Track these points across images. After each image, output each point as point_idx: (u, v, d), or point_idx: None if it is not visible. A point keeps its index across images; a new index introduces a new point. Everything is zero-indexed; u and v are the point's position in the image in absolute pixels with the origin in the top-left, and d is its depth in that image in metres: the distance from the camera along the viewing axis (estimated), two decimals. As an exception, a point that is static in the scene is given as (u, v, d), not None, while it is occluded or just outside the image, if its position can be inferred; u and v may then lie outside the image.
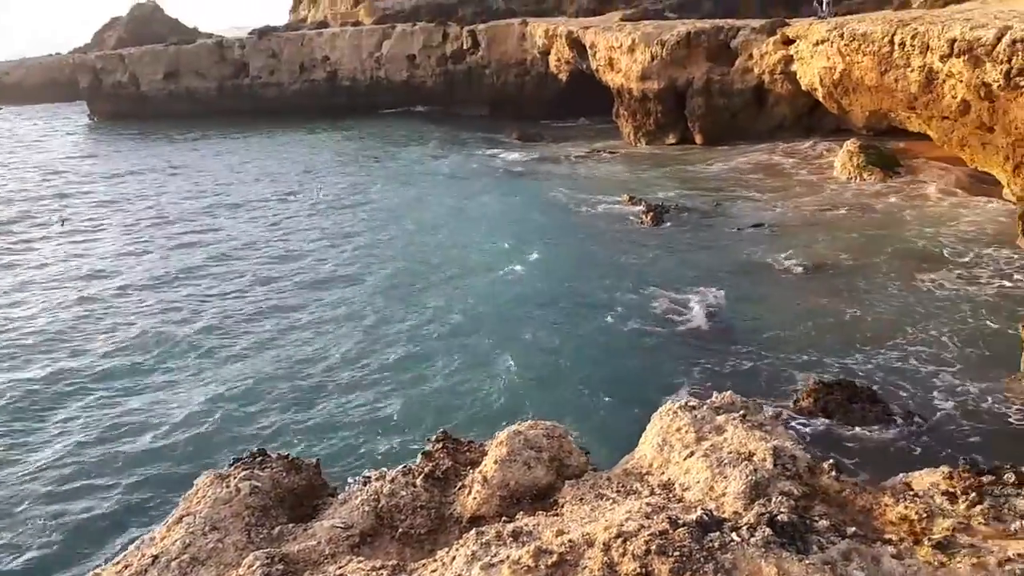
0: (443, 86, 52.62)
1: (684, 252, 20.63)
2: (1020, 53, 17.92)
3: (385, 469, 4.18)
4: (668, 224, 23.33)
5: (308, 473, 4.41)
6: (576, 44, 41.54)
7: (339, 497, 4.18)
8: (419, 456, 4.32)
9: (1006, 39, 18.36)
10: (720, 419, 4.03)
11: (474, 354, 15.11)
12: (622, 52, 36.49)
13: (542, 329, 16.12)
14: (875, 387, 12.48)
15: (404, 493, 3.94)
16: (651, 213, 23.85)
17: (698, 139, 34.50)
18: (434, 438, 4.47)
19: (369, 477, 4.16)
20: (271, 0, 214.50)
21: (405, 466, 4.27)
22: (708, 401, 4.35)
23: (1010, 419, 11.45)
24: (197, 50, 59.42)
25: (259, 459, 4.44)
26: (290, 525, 3.89)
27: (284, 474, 4.29)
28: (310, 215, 28.10)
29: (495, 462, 3.93)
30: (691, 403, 4.31)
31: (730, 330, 15.38)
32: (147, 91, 59.70)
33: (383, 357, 15.22)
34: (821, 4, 32.27)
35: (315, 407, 13.35)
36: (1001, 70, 18.53)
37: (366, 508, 3.83)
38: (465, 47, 51.04)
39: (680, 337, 15.22)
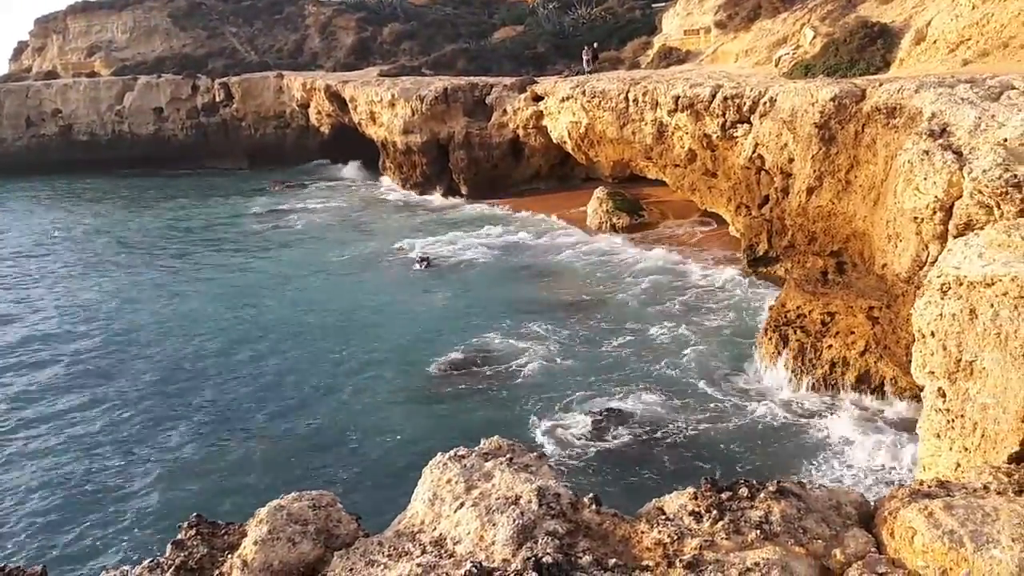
0: (196, 139, 49.95)
1: (458, 294, 21.02)
2: (731, 108, 20.59)
3: (127, 567, 3.71)
4: (440, 267, 23.77)
5: (33, 585, 3.80)
6: (336, 98, 41.44)
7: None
8: (168, 546, 3.89)
9: (719, 96, 21.02)
10: (488, 465, 4.05)
11: (236, 417, 14.18)
12: (383, 107, 36.94)
13: (311, 387, 15.54)
14: (646, 406, 13.42)
15: (152, 591, 3.51)
16: (424, 260, 24.27)
17: (463, 189, 35.60)
18: (186, 524, 4.05)
19: (108, 579, 3.66)
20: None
21: (152, 560, 3.82)
22: (476, 448, 4.36)
23: (749, 423, 12.80)
24: None
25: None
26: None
27: (0, 591, 3.66)
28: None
29: (255, 543, 3.63)
30: (460, 452, 4.29)
31: (506, 366, 15.81)
32: None
33: (131, 433, 13.81)
34: (584, 61, 35.14)
35: (46, 502, 11.74)
36: (718, 123, 21.14)
37: (105, 616, 3.37)
38: (218, 99, 48.95)
39: (458, 379, 15.37)
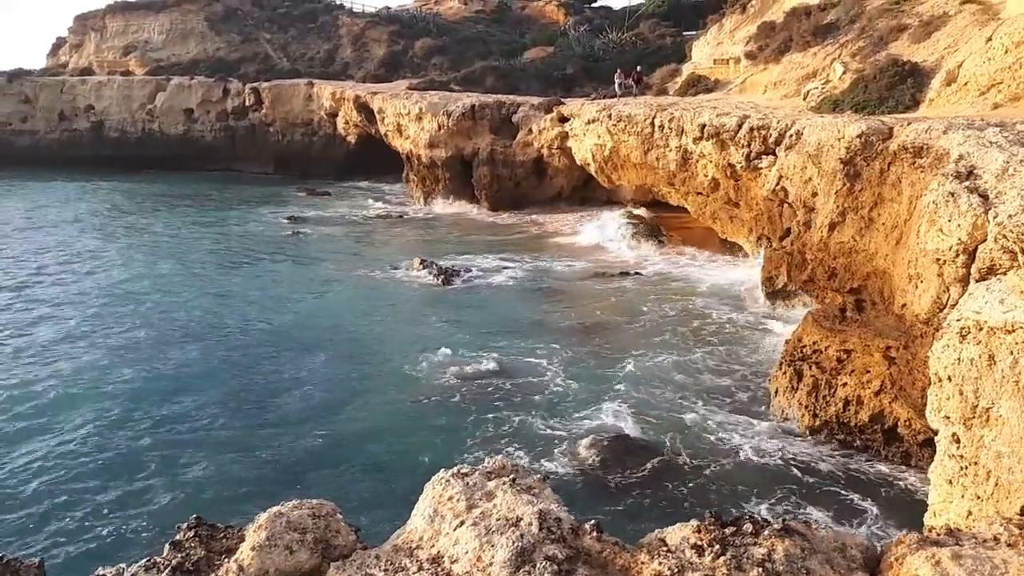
0: (224, 142, 50.54)
1: (472, 313, 21.01)
2: (756, 139, 20.54)
3: (123, 565, 3.71)
4: (459, 285, 23.78)
5: (30, 576, 3.80)
6: (364, 108, 41.83)
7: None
8: (166, 547, 3.88)
9: (745, 127, 20.98)
10: (491, 485, 4.02)
11: (244, 426, 14.21)
12: (410, 119, 37.25)
13: (319, 397, 15.55)
14: (652, 435, 13.30)
15: (147, 591, 3.50)
16: (442, 276, 24.26)
17: (484, 205, 35.75)
18: (185, 525, 4.05)
19: (104, 575, 3.66)
20: (28, 43, 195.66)
21: (149, 559, 3.81)
22: (480, 467, 4.34)
23: (760, 459, 12.65)
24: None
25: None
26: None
27: (-2, 581, 3.67)
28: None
29: (252, 548, 3.62)
30: (463, 470, 4.26)
31: (514, 388, 15.74)
32: None
33: (134, 436, 13.87)
34: (617, 84, 34.50)
35: (49, 498, 11.79)
36: (742, 153, 21.09)
37: (99, 613, 3.36)
38: (248, 104, 49.54)
39: (466, 398, 15.32)
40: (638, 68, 35.84)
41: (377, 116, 40.27)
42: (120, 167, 49.15)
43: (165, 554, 3.87)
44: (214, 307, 21.78)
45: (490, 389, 15.78)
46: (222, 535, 4.02)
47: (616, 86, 34.38)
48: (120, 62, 57.00)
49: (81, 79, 54.21)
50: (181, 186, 44.56)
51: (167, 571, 3.66)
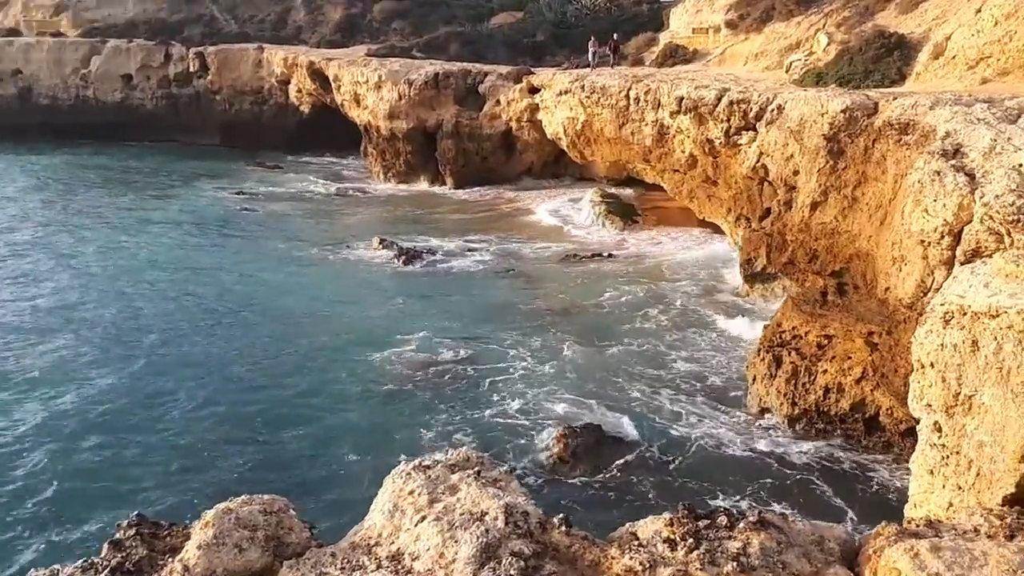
0: (166, 110, 49.56)
1: (434, 297, 20.97)
2: (737, 113, 20.69)
3: (58, 566, 3.66)
4: (420, 266, 23.71)
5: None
6: (319, 76, 41.28)
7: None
8: (104, 546, 3.84)
9: (724, 100, 21.12)
10: (455, 478, 4.03)
11: (185, 420, 14.08)
12: (368, 88, 36.86)
13: (267, 388, 15.45)
14: (623, 426, 13.45)
15: (84, 594, 3.47)
16: (403, 256, 24.15)
17: (449, 182, 35.58)
18: (125, 523, 4.00)
19: (37, 578, 3.62)
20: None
21: (86, 560, 3.77)
22: (443, 459, 4.35)
23: (736, 451, 12.86)
24: None
25: None
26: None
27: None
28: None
29: (199, 547, 3.60)
30: (425, 462, 4.28)
31: (479, 377, 15.78)
32: None
33: (72, 433, 13.67)
34: (591, 54, 33.96)
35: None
36: (721, 128, 21.25)
37: (31, 618, 3.32)
38: (192, 69, 48.60)
39: (428, 387, 15.32)
40: (615, 36, 35.54)
41: (333, 84, 39.78)
42: (51, 137, 47.98)
43: (103, 554, 3.83)
44: (152, 293, 21.40)
45: (452, 378, 15.80)
46: (166, 533, 3.99)
47: (590, 55, 34.18)
48: (50, 22, 55.43)
49: (7, 40, 52.64)
50: (118, 158, 43.66)
51: (105, 571, 3.63)
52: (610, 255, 24.71)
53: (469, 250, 25.63)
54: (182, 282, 22.28)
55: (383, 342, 17.45)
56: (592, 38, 34.85)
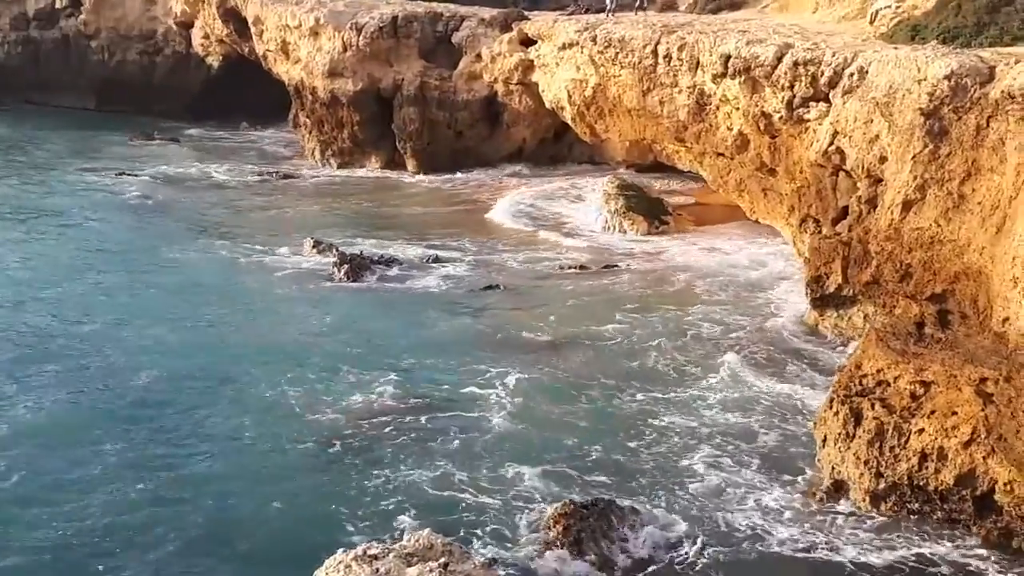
0: (23, 60, 49.52)
1: (391, 320, 20.87)
2: (803, 78, 20.76)
3: None
4: (370, 281, 23.67)
5: None
6: (234, 16, 41.33)
7: None
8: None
9: (786, 60, 21.22)
10: (412, 573, 3.97)
11: (36, 479, 13.95)
12: (302, 35, 36.93)
13: (146, 443, 15.36)
14: (640, 503, 13.37)
15: None
16: (346, 266, 23.99)
17: (410, 164, 35.50)
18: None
19: None
20: None
21: None
22: (396, 546, 4.30)
23: (793, 540, 12.79)
24: None
25: None
26: None
27: None
28: None
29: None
30: (371, 551, 4.21)
31: (439, 432, 15.68)
32: None
33: None
34: None
35: None
36: (783, 98, 21.32)
37: None
38: (59, 6, 48.61)
39: (372, 447, 15.22)
40: None
41: (253, 29, 39.83)
42: None
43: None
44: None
45: (409, 432, 15.72)
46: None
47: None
48: None
49: None
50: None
51: None
52: (627, 267, 24.71)
53: (436, 260, 25.54)
54: (26, 299, 21.91)
55: (313, 382, 17.35)
56: None
